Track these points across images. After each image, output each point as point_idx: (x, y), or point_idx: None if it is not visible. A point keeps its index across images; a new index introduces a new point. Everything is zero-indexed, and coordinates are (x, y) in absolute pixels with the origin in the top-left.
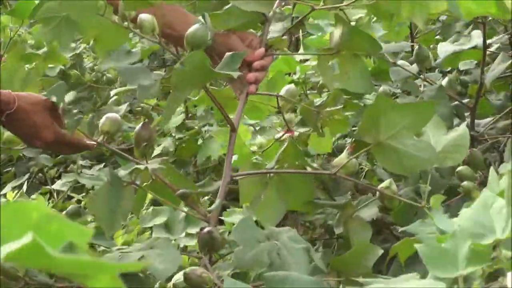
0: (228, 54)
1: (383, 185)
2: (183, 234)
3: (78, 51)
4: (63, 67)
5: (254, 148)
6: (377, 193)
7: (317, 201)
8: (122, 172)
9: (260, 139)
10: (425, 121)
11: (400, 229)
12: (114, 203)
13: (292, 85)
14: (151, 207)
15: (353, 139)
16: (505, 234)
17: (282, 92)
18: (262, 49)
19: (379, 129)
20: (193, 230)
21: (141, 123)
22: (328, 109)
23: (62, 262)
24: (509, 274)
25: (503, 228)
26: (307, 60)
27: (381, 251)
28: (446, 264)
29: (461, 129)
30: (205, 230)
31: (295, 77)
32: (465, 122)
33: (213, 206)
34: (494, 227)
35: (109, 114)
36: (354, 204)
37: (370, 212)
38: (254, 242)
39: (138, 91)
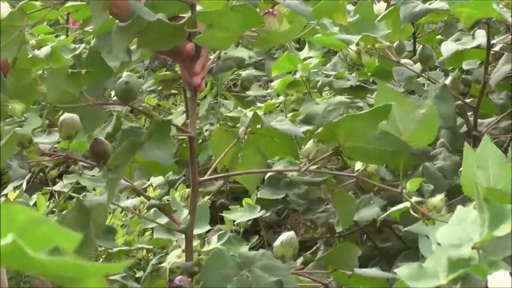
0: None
1: (358, 166)
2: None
3: (77, 52)
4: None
5: None
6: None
7: (298, 178)
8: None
9: None
10: (383, 118)
11: (404, 229)
12: (83, 228)
13: None
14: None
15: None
16: (482, 237)
17: None
18: (191, 44)
19: (336, 137)
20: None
21: (93, 139)
22: None
23: (44, 264)
24: (489, 276)
25: (480, 233)
26: (310, 57)
27: (359, 252)
28: (426, 278)
29: (428, 106)
30: (176, 281)
31: (297, 75)
32: (431, 97)
33: (184, 225)
34: (471, 236)
35: (62, 118)
36: (334, 181)
37: (371, 211)
38: (224, 281)
39: (83, 127)
